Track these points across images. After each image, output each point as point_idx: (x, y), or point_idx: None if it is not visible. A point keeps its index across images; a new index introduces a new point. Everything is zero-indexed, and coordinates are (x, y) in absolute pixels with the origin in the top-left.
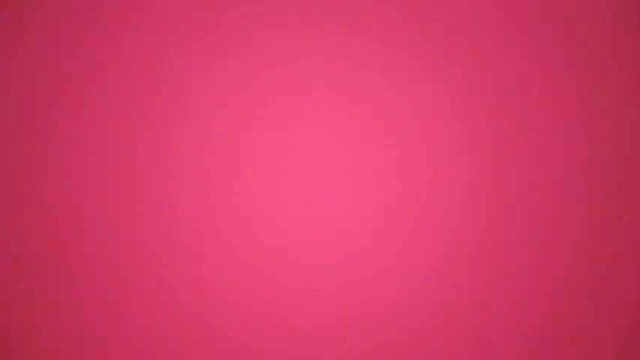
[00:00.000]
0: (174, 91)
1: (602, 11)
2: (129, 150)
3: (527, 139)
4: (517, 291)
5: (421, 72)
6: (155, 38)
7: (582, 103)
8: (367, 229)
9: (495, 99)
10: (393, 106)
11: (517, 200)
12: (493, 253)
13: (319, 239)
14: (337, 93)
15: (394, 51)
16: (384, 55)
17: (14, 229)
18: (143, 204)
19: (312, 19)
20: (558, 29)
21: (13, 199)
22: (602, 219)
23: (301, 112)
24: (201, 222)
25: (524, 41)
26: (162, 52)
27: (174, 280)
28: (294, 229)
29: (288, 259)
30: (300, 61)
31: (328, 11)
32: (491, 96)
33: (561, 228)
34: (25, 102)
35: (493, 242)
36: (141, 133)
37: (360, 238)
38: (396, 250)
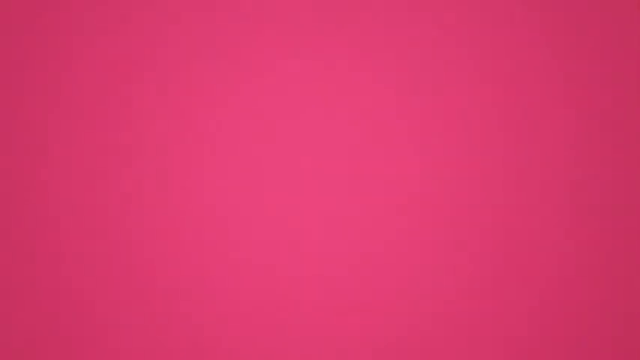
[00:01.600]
0: (173, 91)
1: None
2: (128, 151)
3: (527, 138)
4: (516, 291)
5: (420, 72)
6: (150, 37)
7: (582, 103)
8: (366, 229)
9: (493, 98)
10: (392, 107)
11: (517, 200)
12: (492, 253)
13: (320, 240)
14: (335, 94)
15: (394, 51)
16: (384, 55)
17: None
18: (142, 207)
19: (311, 20)
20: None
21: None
22: (598, 219)
23: (300, 113)
24: (200, 223)
25: (524, 41)
26: (155, 52)
27: (176, 283)
28: (292, 230)
29: (288, 260)
30: (300, 63)
31: (327, 13)
32: (488, 95)
33: (561, 228)
34: (22, 101)
35: (492, 242)
36: (140, 134)
37: (360, 239)
38: (395, 250)
